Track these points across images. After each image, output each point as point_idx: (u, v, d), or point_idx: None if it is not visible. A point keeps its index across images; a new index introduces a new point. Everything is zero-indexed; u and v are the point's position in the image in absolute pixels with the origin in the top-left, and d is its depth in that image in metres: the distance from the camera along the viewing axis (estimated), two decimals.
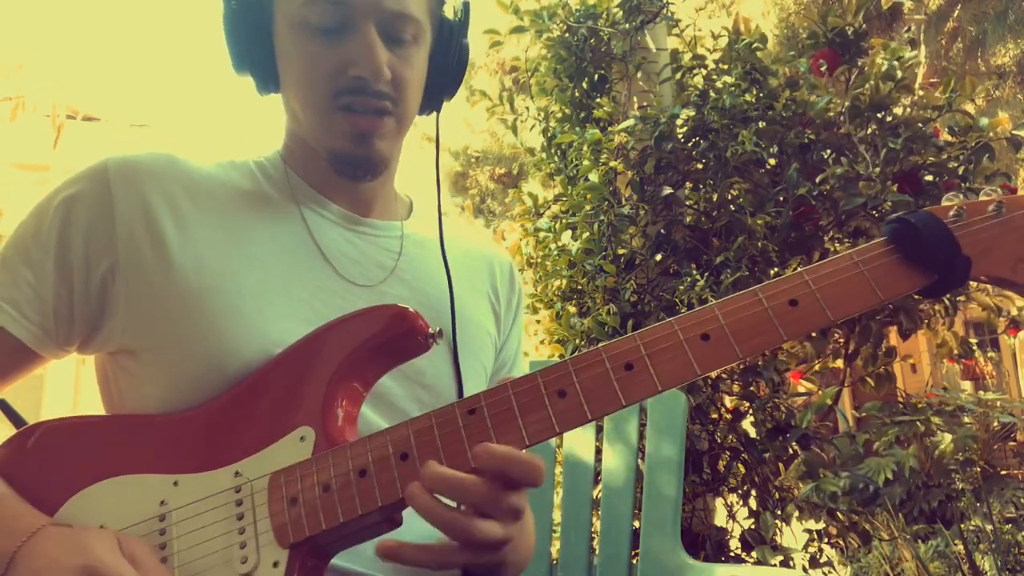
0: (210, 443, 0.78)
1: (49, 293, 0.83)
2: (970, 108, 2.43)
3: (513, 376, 1.06)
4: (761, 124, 2.35)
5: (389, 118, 0.89)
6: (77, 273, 0.83)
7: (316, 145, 0.92)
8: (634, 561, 1.51)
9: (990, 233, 0.76)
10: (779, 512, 2.31)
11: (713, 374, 2.30)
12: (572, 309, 2.50)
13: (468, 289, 1.02)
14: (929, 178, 2.34)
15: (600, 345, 0.74)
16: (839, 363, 2.57)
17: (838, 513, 2.44)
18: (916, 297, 2.37)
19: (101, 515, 0.74)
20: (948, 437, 3.42)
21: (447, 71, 0.98)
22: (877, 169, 2.27)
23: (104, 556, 0.68)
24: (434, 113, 1.03)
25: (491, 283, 1.07)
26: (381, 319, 0.79)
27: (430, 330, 0.79)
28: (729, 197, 2.42)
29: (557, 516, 1.67)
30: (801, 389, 2.80)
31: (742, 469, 2.39)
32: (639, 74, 2.71)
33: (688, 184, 2.52)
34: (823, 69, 2.45)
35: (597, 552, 1.56)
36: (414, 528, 0.76)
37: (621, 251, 2.41)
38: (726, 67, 2.53)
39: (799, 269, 0.76)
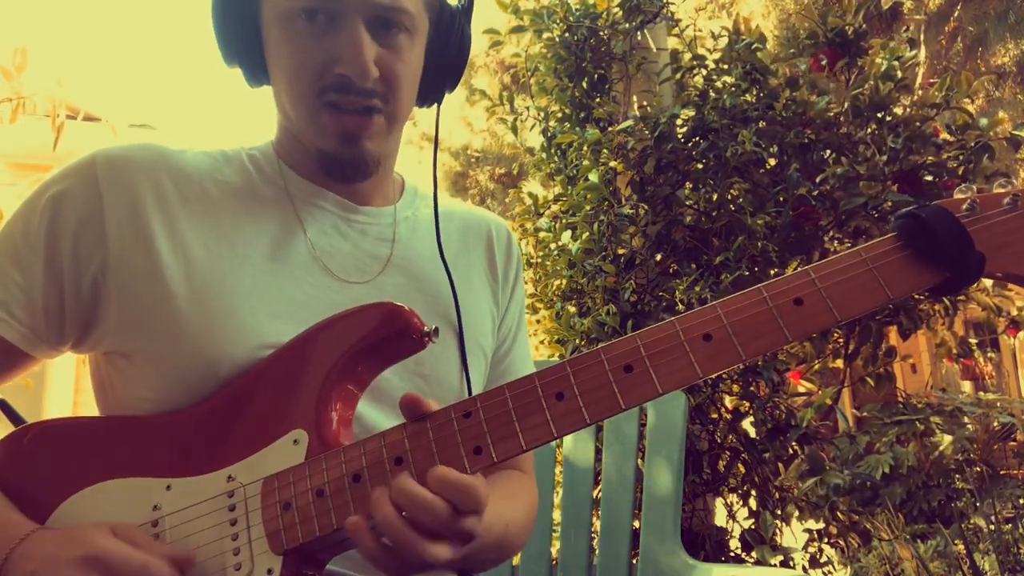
0: (203, 446, 0.76)
1: (39, 294, 0.81)
2: (970, 107, 2.43)
3: (515, 352, 1.05)
4: (761, 124, 2.35)
5: (378, 116, 0.86)
6: (67, 273, 0.81)
7: (305, 142, 0.90)
8: (634, 561, 1.51)
9: (1005, 228, 0.71)
10: (779, 512, 2.31)
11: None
12: (572, 309, 2.50)
13: (464, 268, 0.99)
14: (929, 178, 2.34)
15: (599, 346, 0.72)
16: (839, 363, 2.57)
17: (838, 513, 2.44)
18: (917, 297, 2.38)
19: (95, 519, 0.73)
20: (948, 438, 3.42)
21: (447, 61, 0.94)
22: (883, 158, 2.27)
23: (103, 542, 0.67)
24: (434, 106, 0.99)
25: (488, 257, 1.05)
26: (374, 318, 0.77)
27: (425, 328, 0.76)
28: (729, 197, 2.42)
29: (557, 516, 1.67)
30: (801, 389, 2.80)
31: (742, 469, 2.39)
32: (639, 74, 2.71)
33: (688, 184, 2.52)
34: (823, 63, 2.45)
35: (597, 552, 1.56)
36: None
37: (621, 251, 2.41)
38: (726, 67, 2.53)
39: (805, 267, 0.72)
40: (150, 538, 0.71)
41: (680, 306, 2.23)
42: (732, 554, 2.30)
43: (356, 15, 0.82)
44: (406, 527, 0.65)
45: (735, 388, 2.38)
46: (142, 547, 0.68)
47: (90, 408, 0.91)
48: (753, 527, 2.27)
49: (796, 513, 2.45)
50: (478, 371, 0.96)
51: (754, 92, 2.44)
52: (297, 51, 0.84)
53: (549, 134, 2.77)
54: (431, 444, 0.70)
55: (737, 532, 2.33)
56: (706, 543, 2.26)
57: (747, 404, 2.34)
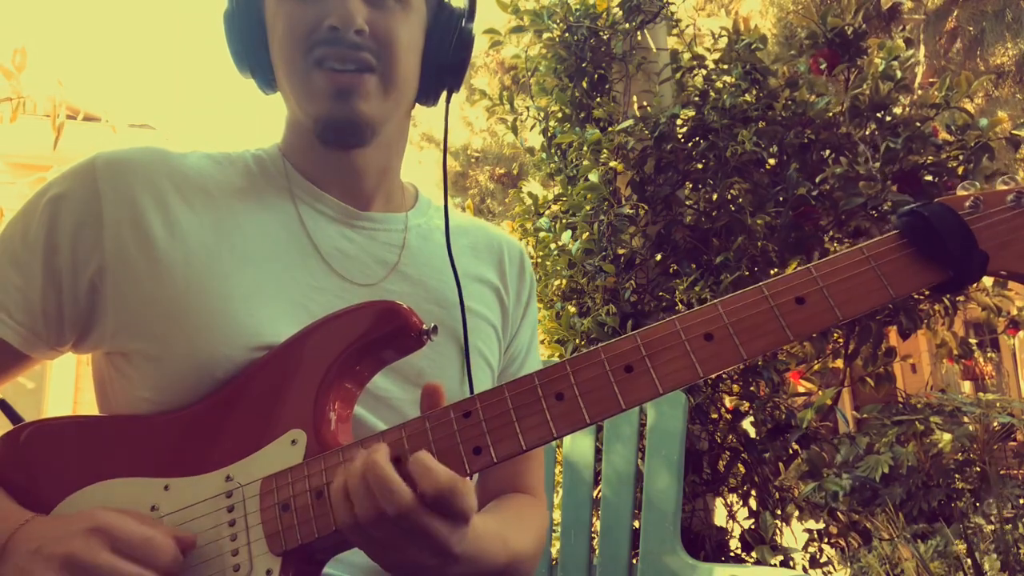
0: (201, 446, 0.76)
1: (37, 296, 0.81)
2: (969, 107, 2.43)
3: (524, 372, 1.05)
4: (761, 124, 2.35)
5: (371, 76, 0.85)
6: (65, 276, 0.81)
7: (303, 117, 0.88)
8: (634, 561, 1.51)
9: (1009, 225, 0.70)
10: (779, 512, 2.31)
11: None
12: (572, 309, 2.50)
13: (474, 281, 0.99)
14: (929, 178, 2.35)
15: (600, 345, 0.71)
16: (839, 363, 2.57)
17: (838, 513, 2.44)
18: (917, 297, 2.38)
19: None
20: (947, 436, 3.42)
21: (444, 55, 0.93)
22: (877, 164, 2.27)
23: (108, 515, 0.68)
24: (437, 108, 0.99)
25: (499, 275, 1.04)
26: (372, 315, 0.76)
27: (424, 326, 0.76)
28: (729, 197, 2.42)
29: (557, 516, 1.67)
30: (801, 389, 2.80)
31: (742, 469, 2.39)
32: (639, 74, 2.71)
33: (688, 184, 2.53)
34: (822, 67, 2.45)
35: (597, 552, 1.56)
36: None
37: (621, 251, 2.41)
38: (726, 67, 2.53)
39: (806, 265, 0.72)
40: (153, 518, 0.71)
41: (680, 306, 2.23)
42: (732, 554, 2.30)
43: None
44: (368, 495, 0.64)
45: (735, 388, 2.38)
46: (142, 520, 0.69)
47: (90, 408, 0.91)
48: (753, 527, 2.27)
49: (796, 513, 2.45)
50: (483, 386, 0.95)
51: (754, 92, 2.45)
52: (289, 18, 0.85)
53: (549, 134, 2.77)
54: (430, 444, 0.69)
55: (737, 532, 2.33)
56: (706, 543, 2.26)
57: (747, 404, 2.34)
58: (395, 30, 0.87)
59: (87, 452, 0.78)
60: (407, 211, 1.00)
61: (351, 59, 0.84)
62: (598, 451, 1.64)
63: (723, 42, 2.55)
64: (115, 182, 0.83)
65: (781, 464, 2.38)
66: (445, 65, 0.94)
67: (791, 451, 2.35)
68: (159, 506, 0.73)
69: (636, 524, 1.52)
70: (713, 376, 2.34)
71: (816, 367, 2.60)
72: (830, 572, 2.50)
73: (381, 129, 0.90)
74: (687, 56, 2.69)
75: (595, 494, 1.64)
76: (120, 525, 0.67)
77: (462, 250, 0.99)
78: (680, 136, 2.47)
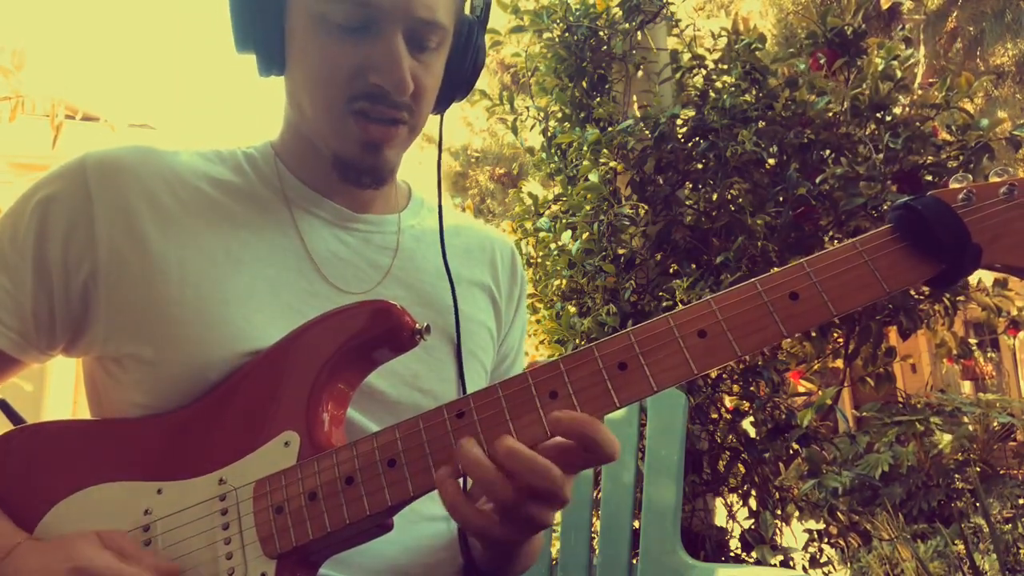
0: (193, 449, 0.75)
1: (27, 299, 0.80)
2: (969, 107, 2.43)
3: (515, 370, 1.04)
4: (761, 124, 2.35)
5: (403, 127, 0.85)
6: (56, 278, 0.80)
7: (321, 144, 0.87)
8: (634, 561, 1.51)
9: (1002, 218, 0.69)
10: (779, 512, 2.31)
11: (712, 373, 2.30)
12: (572, 309, 2.50)
13: (467, 283, 0.98)
14: (929, 178, 2.34)
15: (593, 343, 0.70)
16: (839, 363, 2.57)
17: (838, 513, 2.44)
18: (917, 296, 2.38)
19: (85, 524, 0.72)
20: (947, 437, 3.42)
21: (462, 74, 0.93)
22: (880, 156, 2.27)
23: (91, 554, 0.67)
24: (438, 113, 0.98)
25: (492, 275, 1.03)
26: (365, 315, 0.76)
27: (417, 326, 0.75)
28: (729, 197, 2.42)
29: (557, 516, 1.67)
30: (801, 389, 2.80)
31: (742, 469, 2.39)
32: (639, 74, 2.71)
33: (688, 184, 2.53)
34: (821, 63, 2.45)
35: (597, 552, 1.55)
36: (405, 534, 0.75)
37: (621, 251, 2.41)
38: (726, 67, 2.53)
39: (800, 260, 0.71)
40: (139, 547, 0.70)
41: (680, 307, 2.23)
42: (732, 554, 2.30)
43: (395, 27, 0.80)
44: (501, 475, 0.65)
45: (735, 388, 2.38)
46: (130, 558, 0.68)
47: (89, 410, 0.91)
48: (753, 527, 2.27)
49: (796, 513, 2.45)
50: (477, 386, 0.95)
51: (754, 92, 2.45)
52: (329, 54, 0.81)
53: (549, 134, 2.77)
54: (424, 445, 0.69)
55: (737, 532, 2.33)
56: (706, 543, 2.26)
57: (747, 404, 2.34)
58: (431, 81, 0.86)
59: (80, 456, 0.77)
60: (400, 211, 0.99)
61: (390, 116, 0.83)
62: None
63: (723, 42, 2.55)
64: (106, 183, 0.81)
65: (781, 464, 2.37)
66: (460, 80, 0.94)
67: (791, 451, 2.35)
68: (152, 510, 0.72)
69: (636, 524, 1.52)
70: (713, 374, 2.33)
71: (816, 367, 2.59)
72: (830, 572, 2.50)
73: (398, 167, 0.91)
74: (687, 56, 2.69)
75: (595, 494, 1.64)
76: (102, 565, 0.66)
77: (455, 252, 0.98)
78: (680, 136, 2.47)
